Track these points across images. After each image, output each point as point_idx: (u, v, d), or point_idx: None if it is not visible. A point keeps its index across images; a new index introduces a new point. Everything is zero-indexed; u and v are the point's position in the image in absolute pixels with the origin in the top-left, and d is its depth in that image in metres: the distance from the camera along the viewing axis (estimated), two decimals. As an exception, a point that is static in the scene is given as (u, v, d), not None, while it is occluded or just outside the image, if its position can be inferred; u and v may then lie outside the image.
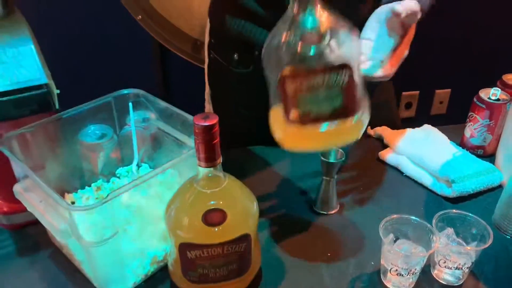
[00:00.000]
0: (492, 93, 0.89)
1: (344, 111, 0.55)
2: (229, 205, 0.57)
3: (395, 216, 0.65)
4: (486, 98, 0.89)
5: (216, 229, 0.56)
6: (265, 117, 0.94)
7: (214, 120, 0.52)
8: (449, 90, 2.13)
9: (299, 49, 0.53)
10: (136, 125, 0.78)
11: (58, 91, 0.63)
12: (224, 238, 0.57)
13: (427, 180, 0.85)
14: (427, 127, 0.98)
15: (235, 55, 0.89)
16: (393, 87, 1.06)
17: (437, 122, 1.04)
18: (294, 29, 0.53)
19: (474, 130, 0.92)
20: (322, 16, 0.53)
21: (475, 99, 0.91)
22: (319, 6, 0.53)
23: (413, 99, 2.15)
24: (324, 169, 0.76)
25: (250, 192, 0.61)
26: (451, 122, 1.02)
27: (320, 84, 0.53)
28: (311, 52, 0.53)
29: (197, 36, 1.67)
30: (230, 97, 0.97)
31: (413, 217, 0.65)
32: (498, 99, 0.88)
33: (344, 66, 0.53)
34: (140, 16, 1.58)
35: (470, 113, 0.92)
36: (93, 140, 0.76)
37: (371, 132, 1.00)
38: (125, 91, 0.77)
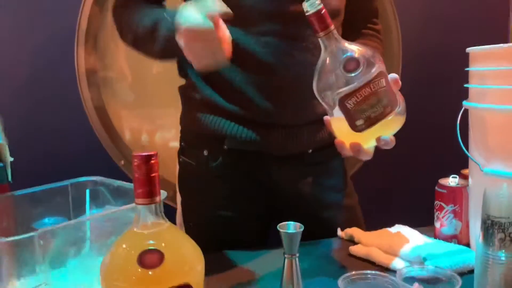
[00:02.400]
0: (451, 180, 0.91)
1: (391, 105, 0.67)
2: (169, 248, 0.53)
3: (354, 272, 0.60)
4: (447, 184, 0.90)
5: (151, 272, 0.51)
6: (237, 216, 0.93)
7: (153, 152, 0.53)
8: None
9: (345, 76, 0.66)
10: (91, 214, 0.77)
11: (12, 159, 0.64)
12: (161, 285, 0.51)
13: (399, 264, 0.80)
14: (398, 226, 0.96)
15: (205, 152, 0.92)
16: (356, 194, 1.07)
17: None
18: (334, 64, 0.67)
19: (442, 218, 0.90)
20: (351, 45, 0.68)
21: (436, 188, 0.92)
22: (344, 41, 0.68)
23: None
24: (287, 242, 0.72)
25: (196, 245, 0.57)
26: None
27: (369, 93, 0.65)
28: (354, 74, 0.66)
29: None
30: (202, 200, 0.97)
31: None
32: (458, 184, 0.90)
33: (380, 74, 0.67)
34: (122, 162, 1.67)
35: (435, 202, 0.92)
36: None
37: (341, 234, 0.98)
38: (83, 179, 0.78)
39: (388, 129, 0.70)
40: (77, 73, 1.57)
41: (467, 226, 0.89)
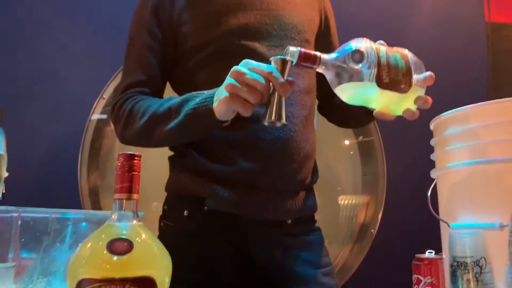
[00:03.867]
0: (428, 253, 0.92)
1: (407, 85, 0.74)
2: (138, 240, 0.56)
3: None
4: (423, 256, 0.91)
5: (118, 258, 0.53)
6: (210, 280, 0.92)
7: (137, 154, 0.59)
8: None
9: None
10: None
11: (7, 174, 0.69)
12: (126, 272, 0.53)
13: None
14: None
15: (185, 212, 0.95)
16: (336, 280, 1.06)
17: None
18: (342, 66, 0.73)
19: (420, 292, 0.89)
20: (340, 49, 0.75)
21: (413, 261, 0.92)
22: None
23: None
24: (278, 68, 0.74)
25: (165, 249, 0.59)
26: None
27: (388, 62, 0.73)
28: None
29: None
30: (175, 261, 0.95)
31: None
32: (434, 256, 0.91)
33: (405, 57, 0.75)
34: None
35: (413, 277, 0.92)
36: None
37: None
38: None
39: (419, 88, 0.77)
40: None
41: (446, 300, 0.87)
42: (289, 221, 0.98)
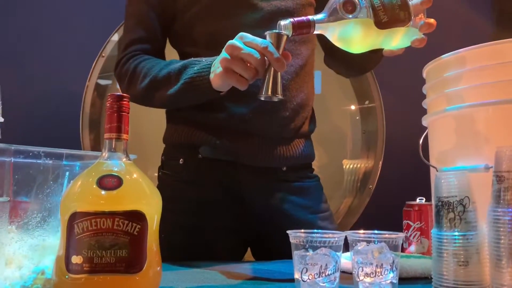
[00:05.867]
0: (418, 200, 0.94)
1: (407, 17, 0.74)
2: (128, 177, 0.58)
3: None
4: (414, 203, 0.93)
5: (107, 192, 0.55)
6: (208, 225, 0.94)
7: (125, 95, 0.60)
8: None
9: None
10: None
11: (2, 120, 0.70)
12: (116, 206, 0.55)
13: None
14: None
15: (181, 160, 0.98)
16: (336, 224, 1.09)
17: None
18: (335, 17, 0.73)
19: (410, 237, 0.92)
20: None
21: (405, 208, 0.95)
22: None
23: None
24: (274, 43, 0.74)
25: (155, 187, 0.61)
26: None
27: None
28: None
29: None
30: (174, 209, 0.97)
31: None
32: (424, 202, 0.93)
33: None
34: None
35: (403, 222, 0.94)
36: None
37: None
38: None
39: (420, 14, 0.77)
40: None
41: (435, 244, 0.90)
42: (284, 168, 1.00)
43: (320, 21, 0.73)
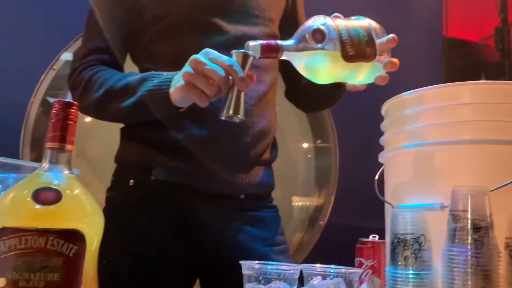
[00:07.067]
0: (372, 237, 0.93)
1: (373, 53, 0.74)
2: (68, 191, 0.52)
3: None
4: (367, 240, 0.91)
5: (42, 207, 0.49)
6: (159, 256, 0.88)
7: (74, 102, 0.55)
8: None
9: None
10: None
11: None
12: (51, 223, 0.49)
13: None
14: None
15: (131, 181, 0.92)
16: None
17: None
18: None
19: (361, 275, 0.89)
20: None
21: (357, 245, 0.93)
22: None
23: None
24: (240, 62, 0.72)
25: (98, 206, 0.56)
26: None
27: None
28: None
29: None
30: (121, 235, 0.90)
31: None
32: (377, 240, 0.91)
33: (364, 26, 0.74)
34: None
35: (355, 260, 0.92)
36: None
37: None
38: None
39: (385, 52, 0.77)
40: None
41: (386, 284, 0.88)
42: (242, 196, 0.96)
43: (288, 47, 0.72)
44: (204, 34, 0.91)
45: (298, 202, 1.96)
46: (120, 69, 0.98)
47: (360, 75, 0.78)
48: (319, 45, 0.71)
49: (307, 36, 0.72)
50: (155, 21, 0.93)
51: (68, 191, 0.52)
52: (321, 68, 0.73)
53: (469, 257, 0.62)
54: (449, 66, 2.27)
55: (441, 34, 2.28)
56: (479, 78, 2.24)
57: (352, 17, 0.76)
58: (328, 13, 0.78)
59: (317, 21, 0.73)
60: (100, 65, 0.93)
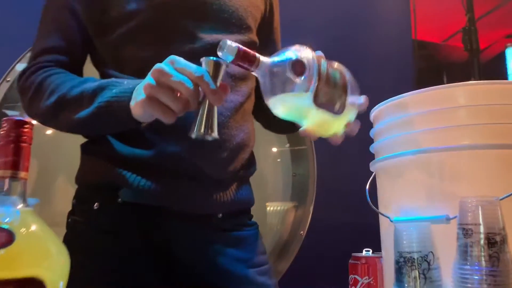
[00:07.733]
0: (365, 252, 0.87)
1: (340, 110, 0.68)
2: (23, 229, 0.43)
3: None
4: (361, 255, 0.85)
5: (-7, 252, 0.40)
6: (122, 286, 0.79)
7: (28, 120, 0.46)
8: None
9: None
10: None
11: None
12: (3, 271, 0.39)
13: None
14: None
15: (95, 205, 0.81)
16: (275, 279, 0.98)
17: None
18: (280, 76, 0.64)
19: (357, 294, 0.83)
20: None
21: (350, 261, 0.86)
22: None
23: None
24: (211, 71, 0.63)
25: (62, 244, 0.47)
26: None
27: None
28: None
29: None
30: (86, 265, 0.80)
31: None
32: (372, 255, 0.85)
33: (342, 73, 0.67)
34: None
35: (349, 277, 0.86)
36: None
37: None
38: None
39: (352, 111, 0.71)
40: None
41: (383, 301, 0.82)
42: (220, 215, 0.87)
43: (264, 65, 0.63)
44: (176, 40, 0.83)
45: (272, 207, 1.89)
46: (79, 72, 0.87)
47: (320, 125, 0.70)
48: (296, 78, 0.63)
49: (287, 63, 0.63)
50: (122, 19, 0.83)
51: (22, 229, 0.43)
52: (285, 99, 0.65)
53: (484, 276, 0.56)
54: (419, 69, 2.27)
55: (410, 37, 2.28)
56: (442, 81, 2.25)
57: (335, 63, 0.69)
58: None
59: (303, 53, 0.65)
60: (54, 67, 0.82)
